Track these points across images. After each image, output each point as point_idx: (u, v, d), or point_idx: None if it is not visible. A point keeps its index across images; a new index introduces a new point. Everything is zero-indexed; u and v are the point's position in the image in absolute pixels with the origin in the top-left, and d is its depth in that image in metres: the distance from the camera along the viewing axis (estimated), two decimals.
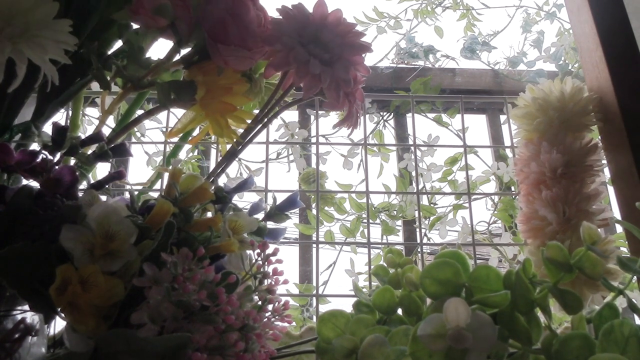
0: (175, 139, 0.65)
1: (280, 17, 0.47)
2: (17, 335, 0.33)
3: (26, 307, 0.35)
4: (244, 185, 0.48)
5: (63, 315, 0.32)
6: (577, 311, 0.34)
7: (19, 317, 0.35)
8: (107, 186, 0.44)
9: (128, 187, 0.51)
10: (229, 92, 0.44)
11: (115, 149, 0.45)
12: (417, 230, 0.78)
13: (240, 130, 0.49)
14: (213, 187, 0.44)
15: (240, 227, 0.42)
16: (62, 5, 0.40)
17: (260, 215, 0.49)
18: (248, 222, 0.43)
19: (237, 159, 0.82)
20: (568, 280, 0.35)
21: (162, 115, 0.77)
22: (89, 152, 0.45)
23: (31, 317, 0.35)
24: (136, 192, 0.57)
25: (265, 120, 0.50)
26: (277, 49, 0.45)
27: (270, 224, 0.50)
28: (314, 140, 0.75)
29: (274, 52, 0.46)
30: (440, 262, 0.36)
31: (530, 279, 0.35)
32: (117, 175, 0.44)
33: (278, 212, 0.50)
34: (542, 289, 0.36)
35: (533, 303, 0.35)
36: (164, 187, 0.44)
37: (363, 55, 0.49)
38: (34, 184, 0.38)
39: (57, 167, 0.39)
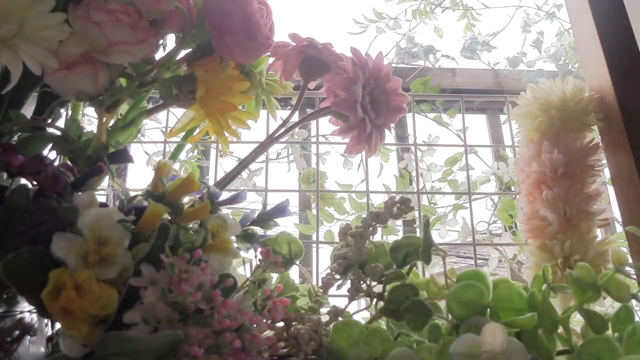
0: (175, 139, 0.64)
1: (355, 59, 0.49)
2: (15, 335, 0.33)
3: (25, 307, 0.35)
4: (236, 198, 0.48)
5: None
6: (603, 331, 0.35)
7: (18, 316, 0.34)
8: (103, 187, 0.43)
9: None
10: (229, 90, 0.44)
11: (115, 155, 0.43)
12: (417, 230, 0.78)
13: (239, 130, 0.49)
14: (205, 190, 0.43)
15: (223, 230, 0.41)
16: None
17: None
18: (231, 225, 0.42)
19: (236, 159, 0.82)
20: (593, 301, 0.36)
21: (162, 115, 0.77)
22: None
23: (30, 317, 0.35)
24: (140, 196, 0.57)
25: (290, 125, 0.53)
26: (343, 93, 0.48)
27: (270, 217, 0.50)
28: (314, 140, 0.75)
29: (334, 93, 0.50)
30: (465, 284, 0.37)
31: (548, 284, 0.37)
32: (95, 171, 0.40)
33: (267, 218, 0.50)
34: (566, 309, 0.37)
35: (557, 323, 0.36)
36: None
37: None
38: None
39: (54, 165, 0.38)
